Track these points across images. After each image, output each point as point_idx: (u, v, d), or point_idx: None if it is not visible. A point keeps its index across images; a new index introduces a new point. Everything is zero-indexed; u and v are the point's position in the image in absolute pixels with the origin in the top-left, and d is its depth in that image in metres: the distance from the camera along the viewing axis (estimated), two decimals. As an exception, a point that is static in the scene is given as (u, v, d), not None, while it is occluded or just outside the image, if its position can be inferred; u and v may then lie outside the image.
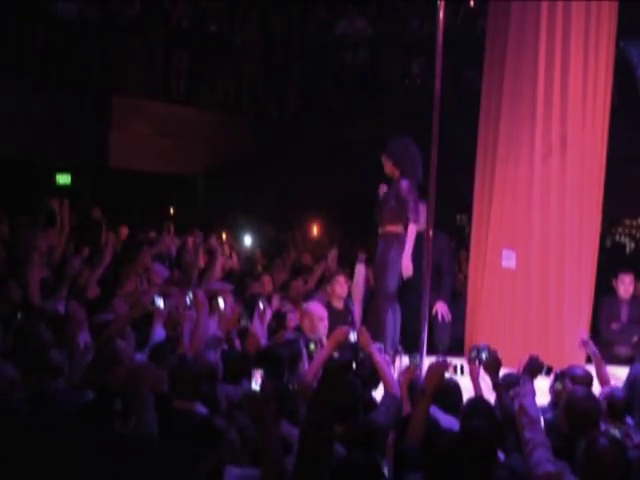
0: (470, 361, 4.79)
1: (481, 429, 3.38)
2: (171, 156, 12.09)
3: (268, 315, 5.96)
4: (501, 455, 3.75)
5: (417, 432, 3.85)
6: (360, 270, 7.44)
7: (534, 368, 4.30)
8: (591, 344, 5.44)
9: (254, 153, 12.74)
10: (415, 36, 11.93)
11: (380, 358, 4.71)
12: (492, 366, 4.54)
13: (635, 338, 5.58)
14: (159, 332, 5.54)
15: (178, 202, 12.45)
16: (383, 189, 6.97)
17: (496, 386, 4.39)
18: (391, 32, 12.52)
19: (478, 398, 4.31)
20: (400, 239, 6.69)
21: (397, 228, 6.77)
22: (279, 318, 6.58)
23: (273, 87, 13.24)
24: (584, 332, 5.38)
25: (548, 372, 4.55)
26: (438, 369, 4.13)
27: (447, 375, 4.23)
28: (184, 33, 12.28)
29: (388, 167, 6.85)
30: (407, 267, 6.67)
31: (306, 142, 12.56)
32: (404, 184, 6.73)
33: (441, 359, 4.32)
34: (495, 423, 3.92)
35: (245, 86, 13.14)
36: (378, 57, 12.81)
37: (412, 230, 6.67)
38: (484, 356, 4.66)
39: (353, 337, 4.86)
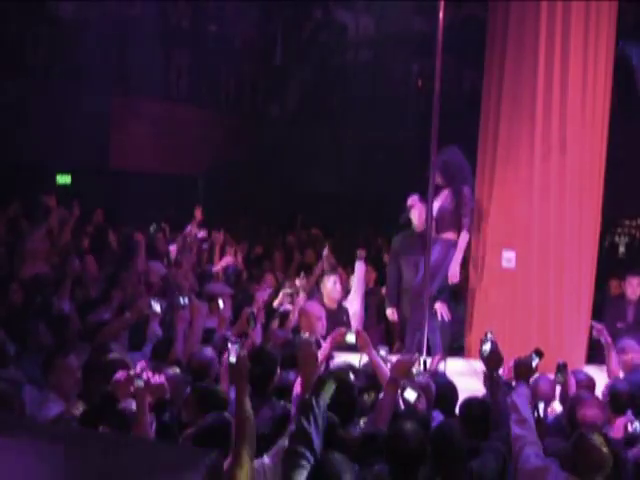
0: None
1: (451, 429, 3.62)
2: (171, 156, 12.09)
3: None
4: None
5: (385, 417, 4.11)
6: (360, 267, 7.46)
7: (522, 370, 4.38)
8: (605, 333, 5.46)
9: (254, 153, 12.74)
10: (416, 36, 11.95)
11: (377, 360, 4.75)
12: (492, 360, 4.62)
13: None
14: (156, 331, 5.58)
15: (178, 202, 12.44)
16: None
17: (490, 380, 4.48)
18: (394, 31, 12.53)
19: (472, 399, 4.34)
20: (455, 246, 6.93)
21: (454, 235, 6.98)
22: (282, 317, 6.60)
23: (273, 87, 13.24)
24: (597, 324, 5.44)
25: (539, 355, 4.54)
26: (406, 362, 4.46)
27: (414, 369, 4.47)
28: (184, 33, 12.30)
29: (438, 177, 6.83)
30: (454, 274, 6.91)
31: (306, 142, 12.57)
32: (467, 191, 6.91)
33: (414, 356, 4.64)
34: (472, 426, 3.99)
35: (245, 86, 13.15)
36: (381, 57, 12.83)
37: (464, 238, 6.93)
38: (487, 348, 4.67)
39: (351, 338, 4.89)
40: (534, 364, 4.49)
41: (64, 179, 12.23)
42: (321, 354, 4.79)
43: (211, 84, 12.91)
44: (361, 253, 7.56)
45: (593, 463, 3.41)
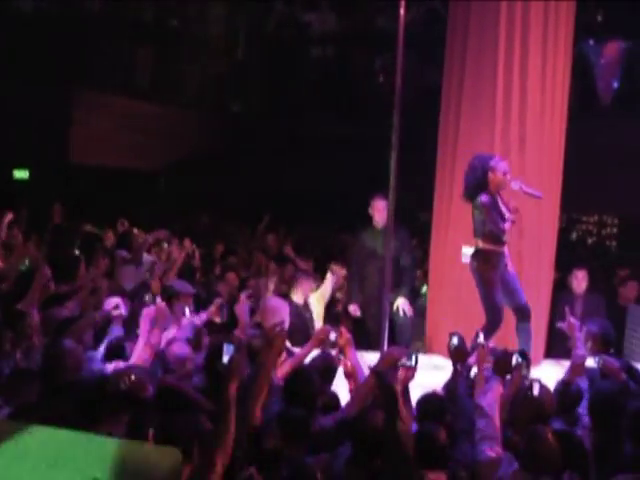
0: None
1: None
2: (133, 152, 12.00)
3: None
4: None
5: (358, 404, 4.18)
6: (331, 280, 7.58)
7: (500, 366, 4.45)
8: (577, 328, 5.44)
9: (218, 150, 12.70)
10: (380, 33, 12.01)
11: (356, 360, 4.80)
12: (458, 354, 4.79)
13: (586, 334, 5.64)
14: (116, 331, 5.56)
15: (139, 199, 12.35)
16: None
17: (455, 373, 4.58)
18: (357, 28, 12.58)
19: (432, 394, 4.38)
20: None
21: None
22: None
23: (237, 83, 13.21)
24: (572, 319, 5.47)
25: (522, 356, 4.59)
26: (396, 354, 4.49)
27: (402, 361, 4.44)
28: (147, 28, 12.21)
29: None
30: None
31: (271, 138, 12.56)
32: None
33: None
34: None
35: (209, 82, 13.10)
36: (344, 53, 12.87)
37: None
38: (454, 343, 4.84)
39: (334, 337, 4.96)
40: (514, 362, 4.55)
41: (21, 174, 12.07)
42: (304, 350, 4.81)
43: (174, 79, 12.83)
44: (335, 268, 7.62)
45: (542, 457, 3.51)
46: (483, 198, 6.13)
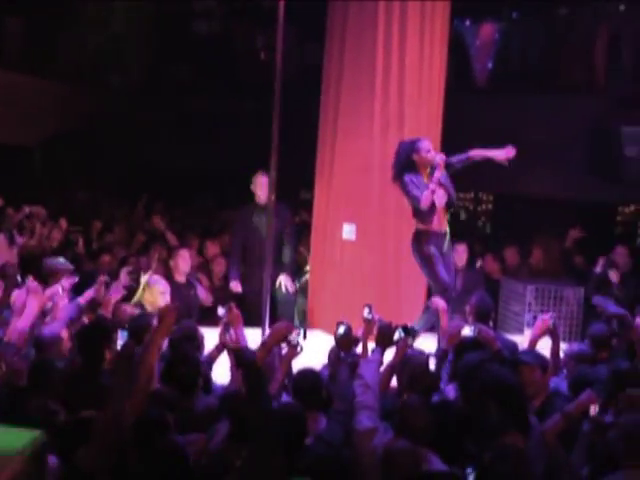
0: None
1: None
2: (5, 126, 11.49)
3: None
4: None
5: (239, 380, 4.17)
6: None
7: (383, 339, 4.52)
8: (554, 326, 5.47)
9: (94, 124, 12.33)
10: (261, 8, 11.92)
11: (242, 337, 4.87)
12: (344, 343, 4.79)
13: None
14: None
15: (12, 174, 11.87)
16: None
17: (337, 360, 4.61)
18: (238, 4, 12.45)
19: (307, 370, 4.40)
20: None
21: None
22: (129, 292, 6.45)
23: (114, 56, 12.84)
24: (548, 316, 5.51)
25: (406, 331, 4.67)
26: (284, 328, 4.51)
27: (291, 336, 4.46)
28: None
29: None
30: None
31: (151, 113, 12.31)
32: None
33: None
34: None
35: (84, 54, 12.67)
36: (226, 28, 12.72)
37: None
38: (340, 331, 4.83)
39: (222, 312, 5.01)
40: (396, 337, 4.62)
41: None
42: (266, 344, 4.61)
43: (48, 52, 12.34)
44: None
45: (413, 427, 3.60)
46: (405, 178, 6.20)
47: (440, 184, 6.17)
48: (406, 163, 6.24)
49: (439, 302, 5.78)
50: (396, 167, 6.30)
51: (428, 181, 6.18)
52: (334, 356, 4.82)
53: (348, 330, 4.85)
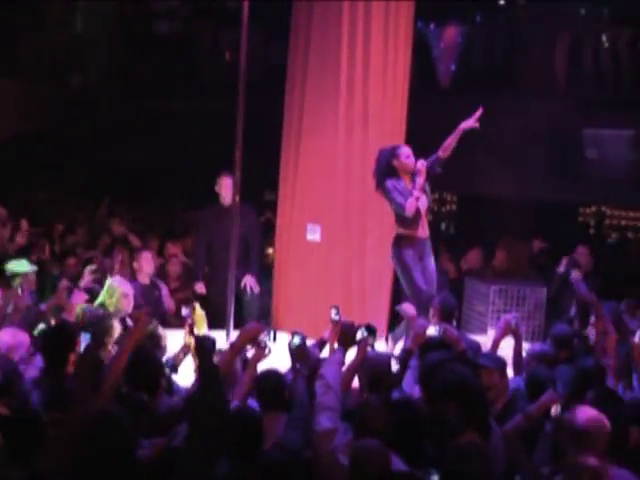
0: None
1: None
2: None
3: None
4: None
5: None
6: None
7: (346, 338, 4.48)
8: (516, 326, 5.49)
9: (55, 124, 12.17)
10: (225, 8, 11.89)
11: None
12: (299, 354, 4.58)
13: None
14: None
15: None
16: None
17: (295, 372, 4.48)
18: (202, 3, 12.40)
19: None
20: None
21: None
22: (90, 294, 6.38)
23: (74, 55, 12.70)
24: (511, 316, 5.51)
25: (369, 331, 4.62)
26: (254, 329, 4.46)
27: (261, 337, 4.41)
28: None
29: None
30: None
31: (113, 114, 12.19)
32: None
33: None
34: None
35: (43, 53, 12.51)
36: (190, 28, 12.65)
37: None
38: (295, 342, 4.60)
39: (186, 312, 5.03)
40: (358, 336, 4.56)
41: None
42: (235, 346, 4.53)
43: (8, 51, 12.15)
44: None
45: (371, 427, 3.58)
46: (387, 184, 6.17)
47: (423, 190, 6.19)
48: (387, 169, 6.25)
49: (408, 308, 5.78)
50: (377, 174, 6.30)
51: (410, 186, 6.19)
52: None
53: (302, 341, 4.63)
